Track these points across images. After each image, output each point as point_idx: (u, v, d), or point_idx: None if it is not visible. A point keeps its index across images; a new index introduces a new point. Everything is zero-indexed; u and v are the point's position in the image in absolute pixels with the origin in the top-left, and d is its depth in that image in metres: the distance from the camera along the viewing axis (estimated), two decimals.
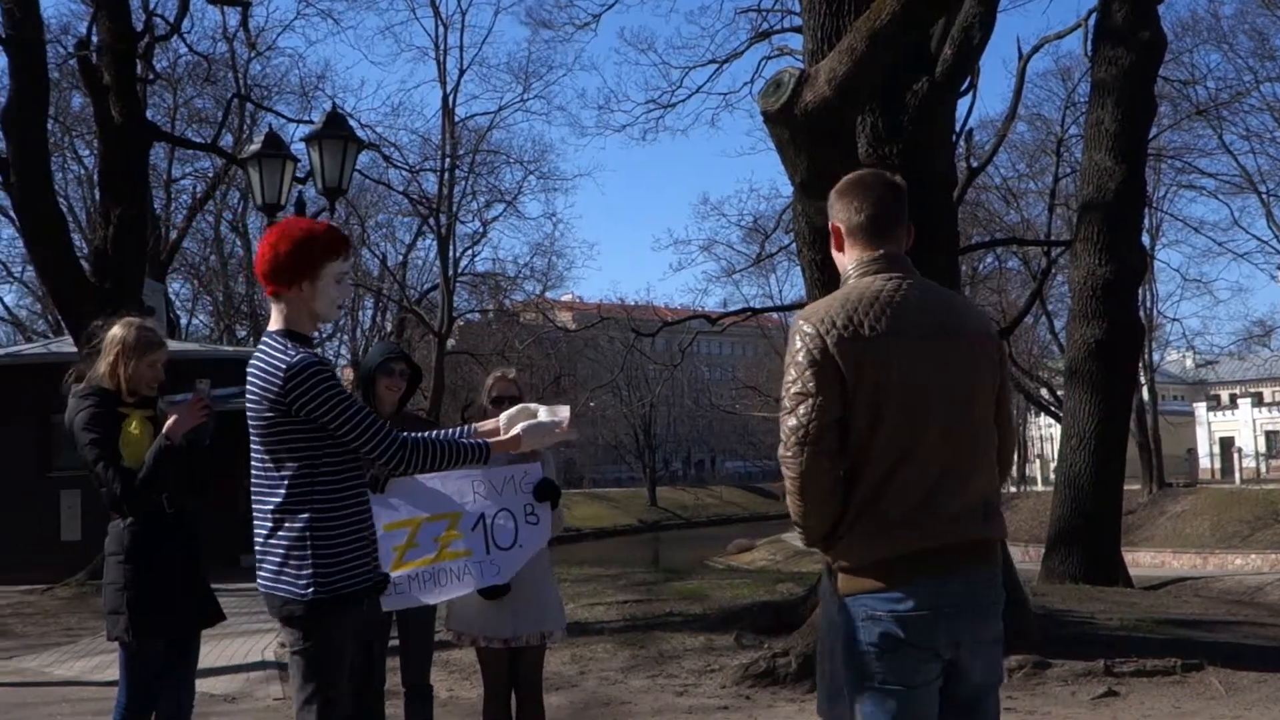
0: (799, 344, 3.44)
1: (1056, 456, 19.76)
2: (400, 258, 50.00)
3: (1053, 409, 40.34)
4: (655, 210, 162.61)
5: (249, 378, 4.16)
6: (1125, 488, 20.57)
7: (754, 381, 69.60)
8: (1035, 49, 31.29)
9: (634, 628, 11.74)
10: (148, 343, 5.58)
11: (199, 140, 31.81)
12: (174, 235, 39.74)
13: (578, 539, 55.36)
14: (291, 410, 4.02)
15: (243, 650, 11.97)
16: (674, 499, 79.73)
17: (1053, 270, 36.69)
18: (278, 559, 4.09)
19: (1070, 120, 37.07)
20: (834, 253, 3.78)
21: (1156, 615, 12.72)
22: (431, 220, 43.75)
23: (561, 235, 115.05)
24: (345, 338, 54.59)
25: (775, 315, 61.43)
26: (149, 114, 25.89)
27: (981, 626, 3.48)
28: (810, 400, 3.38)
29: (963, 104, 35.91)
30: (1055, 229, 38.17)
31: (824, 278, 9.19)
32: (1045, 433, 67.63)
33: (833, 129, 8.58)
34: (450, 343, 44.60)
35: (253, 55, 35.38)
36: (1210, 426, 73.09)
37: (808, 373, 3.39)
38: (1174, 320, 52.50)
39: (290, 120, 37.79)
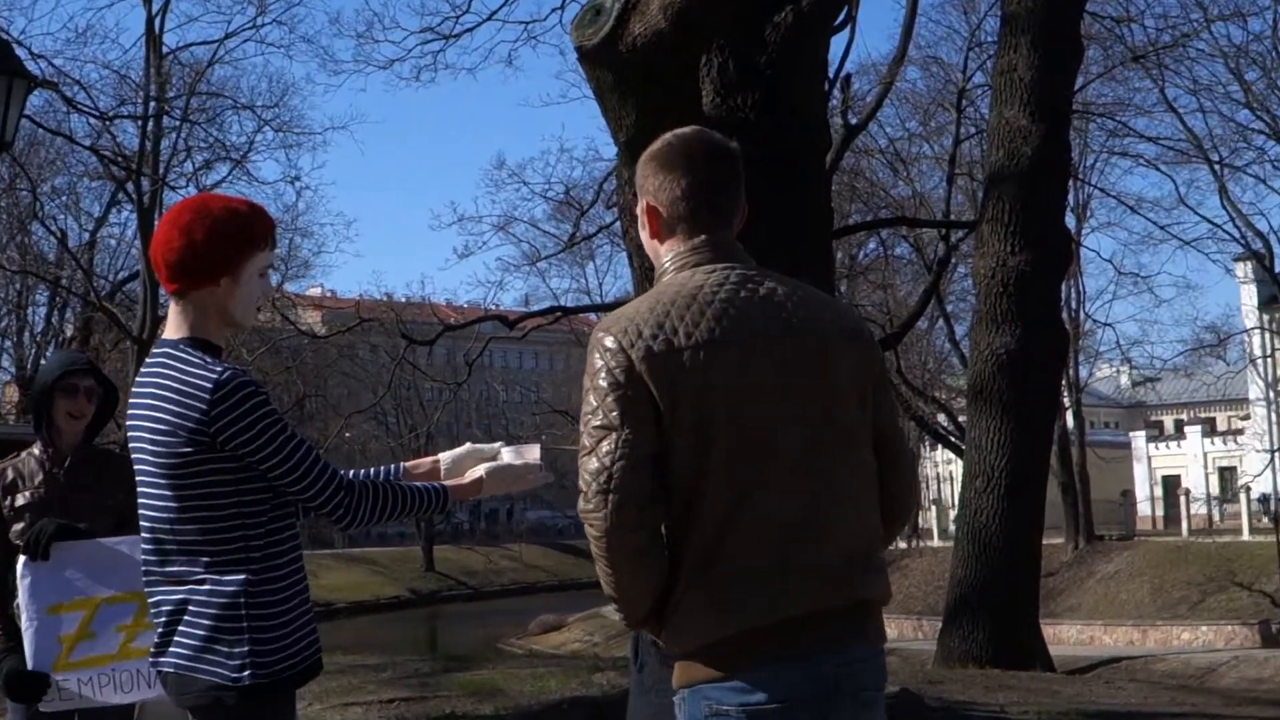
0: (598, 363, 3.46)
1: (957, 502, 20.15)
2: (86, 235, 49.01)
3: (953, 440, 41.15)
4: (433, 177, 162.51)
5: (144, 401, 4.16)
6: (1045, 541, 20.96)
7: (565, 404, 69.73)
8: None
9: None
10: None
11: None
12: None
13: (327, 615, 54.78)
14: (216, 442, 4.04)
15: None
16: (457, 561, 79.46)
17: (953, 259, 37.46)
18: (202, 633, 4.10)
19: (975, 65, 37.96)
20: (646, 240, 3.81)
21: (1084, 707, 13.05)
22: (130, 185, 42.96)
23: (307, 207, 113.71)
24: (8, 344, 53.29)
25: (593, 316, 61.67)
26: None
27: None
28: (614, 435, 3.39)
29: (838, 42, 36.45)
30: (956, 206, 39.05)
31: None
32: (944, 470, 69.17)
33: (669, 72, 8.63)
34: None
35: None
36: (1151, 462, 75.46)
37: (609, 399, 3.41)
38: (1105, 325, 53.86)
39: None
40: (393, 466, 4.69)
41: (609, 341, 3.45)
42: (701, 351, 3.42)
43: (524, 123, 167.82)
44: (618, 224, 16.52)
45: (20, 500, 5.95)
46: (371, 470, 4.61)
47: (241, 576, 4.10)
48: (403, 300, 59.00)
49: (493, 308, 46.32)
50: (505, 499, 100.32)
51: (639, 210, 3.76)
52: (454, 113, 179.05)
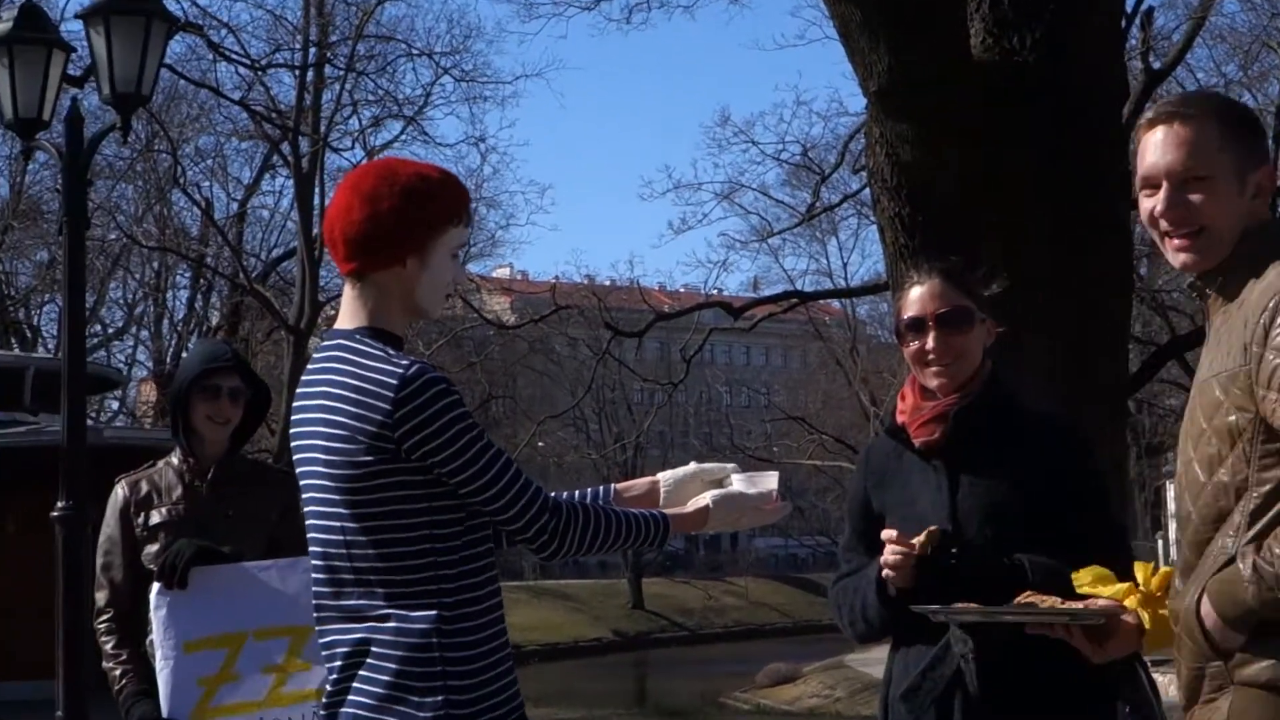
0: None
1: None
2: (235, 206, 49.91)
3: None
4: (645, 136, 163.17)
5: (314, 403, 4.24)
6: None
7: (803, 410, 69.53)
8: None
9: None
10: None
11: None
12: None
13: (516, 660, 55.19)
14: (401, 450, 4.08)
15: None
16: (671, 597, 79.69)
17: None
18: (387, 679, 4.15)
19: None
20: (1223, 209, 3.85)
21: None
22: (285, 146, 43.65)
23: (494, 172, 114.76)
24: (145, 334, 54.49)
25: (836, 304, 61.49)
26: None
27: None
28: None
29: None
30: None
31: (913, 243, 9.21)
32: None
33: (931, 7, 8.59)
34: (314, 342, 44.50)
35: None
36: None
37: None
38: None
39: None
40: (602, 488, 4.70)
41: None
42: None
43: (752, 70, 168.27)
44: (866, 191, 16.38)
45: (155, 518, 6.05)
46: (577, 492, 4.62)
47: (433, 612, 4.12)
48: (607, 284, 59.23)
49: (714, 293, 46.38)
50: None
51: (1225, 172, 3.83)
52: (669, 59, 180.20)
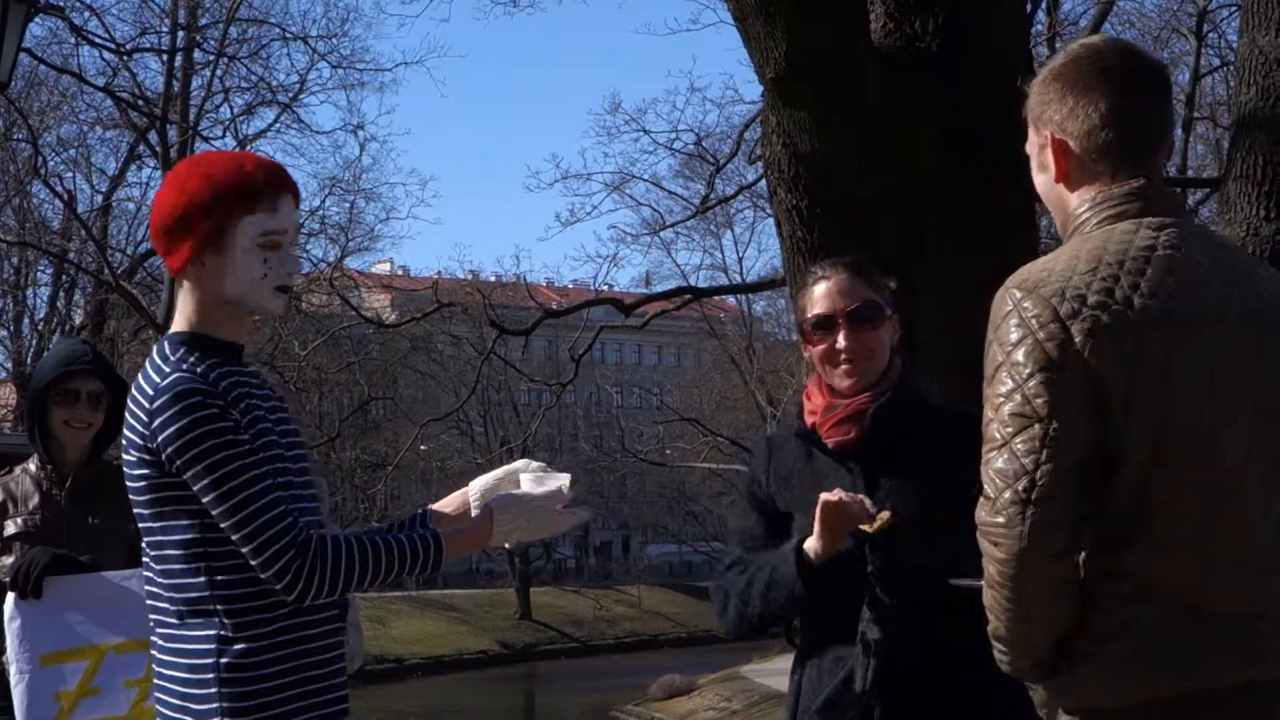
0: (1017, 332, 3.42)
1: None
2: (99, 198, 49.46)
3: None
4: (531, 124, 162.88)
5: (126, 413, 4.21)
6: None
7: (697, 411, 69.57)
8: None
9: None
10: None
11: None
12: None
13: (396, 675, 55.14)
14: (163, 462, 4.04)
15: None
16: (560, 607, 79.61)
17: None
18: (173, 704, 4.15)
19: None
20: (1045, 185, 3.82)
21: None
22: (153, 135, 43.30)
23: (374, 162, 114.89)
24: (3, 333, 53.96)
25: (731, 300, 61.61)
26: None
27: None
28: (1038, 428, 3.35)
29: None
30: (1195, 158, 38.49)
31: (811, 237, 9.21)
32: None
33: None
34: None
35: None
36: None
37: (1035, 381, 3.37)
38: None
39: None
40: (420, 511, 4.60)
41: (1036, 306, 3.41)
42: (1164, 332, 3.39)
43: (645, 55, 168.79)
44: (763, 183, 16.37)
45: (11, 528, 5.99)
46: (392, 523, 4.56)
47: (211, 631, 4.09)
48: (492, 280, 59.21)
49: (604, 289, 46.24)
50: (619, 527, 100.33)
51: (1032, 147, 3.81)
52: (557, 44, 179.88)
